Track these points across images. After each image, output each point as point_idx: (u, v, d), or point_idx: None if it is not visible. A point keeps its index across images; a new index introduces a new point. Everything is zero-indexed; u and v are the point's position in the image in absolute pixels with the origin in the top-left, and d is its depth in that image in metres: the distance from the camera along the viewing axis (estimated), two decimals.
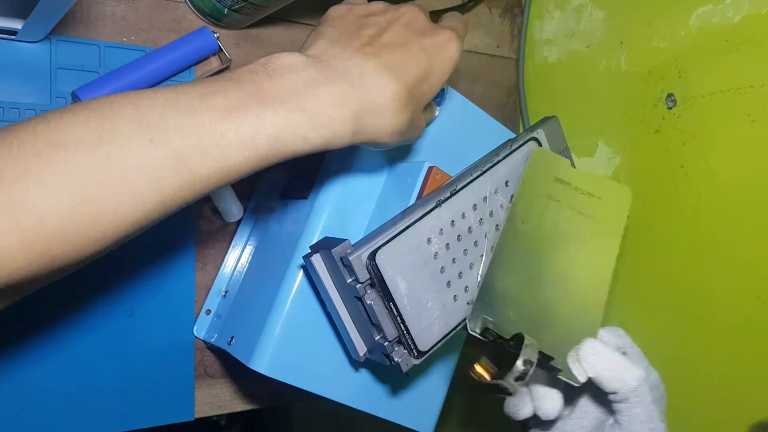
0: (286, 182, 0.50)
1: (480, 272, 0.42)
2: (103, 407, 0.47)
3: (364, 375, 0.46)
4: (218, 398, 0.53)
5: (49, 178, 0.26)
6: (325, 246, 0.39)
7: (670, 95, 0.53)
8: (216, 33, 0.49)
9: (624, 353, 0.40)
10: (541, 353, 0.37)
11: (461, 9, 0.66)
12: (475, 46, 0.69)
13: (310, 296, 0.43)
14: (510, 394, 0.37)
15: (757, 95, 0.46)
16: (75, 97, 0.44)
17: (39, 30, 0.42)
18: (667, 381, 0.41)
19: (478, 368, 0.38)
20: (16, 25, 0.42)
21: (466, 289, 0.41)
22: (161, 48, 0.47)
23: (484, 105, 0.52)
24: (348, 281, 0.38)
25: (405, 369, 0.39)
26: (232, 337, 0.46)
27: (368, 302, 0.37)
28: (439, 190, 0.42)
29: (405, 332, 0.38)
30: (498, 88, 0.70)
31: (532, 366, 0.36)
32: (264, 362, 0.41)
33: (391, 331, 0.38)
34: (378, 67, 0.35)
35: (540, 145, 0.47)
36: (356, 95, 0.34)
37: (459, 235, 0.41)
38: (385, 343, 0.39)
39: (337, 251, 0.38)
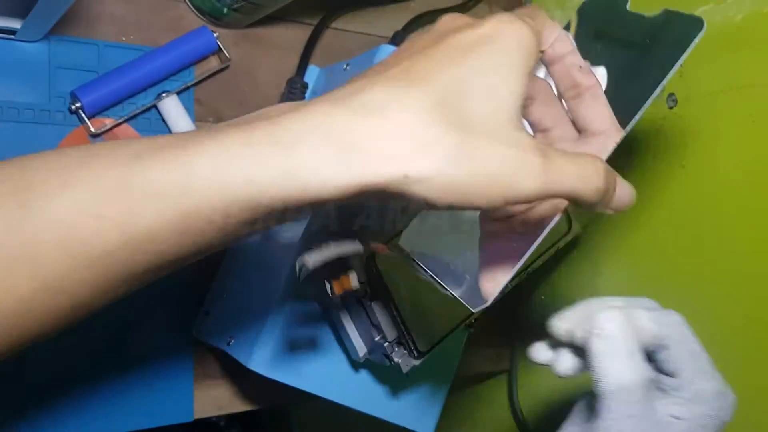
0: None
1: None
2: (102, 408, 0.47)
3: (364, 376, 0.46)
4: (218, 399, 0.53)
5: None
6: None
7: (671, 95, 0.52)
8: (215, 32, 0.49)
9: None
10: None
11: (461, 9, 0.66)
12: None
13: (310, 296, 0.43)
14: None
15: (759, 94, 0.46)
16: (74, 97, 0.44)
17: (38, 29, 0.42)
18: None
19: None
20: (15, 24, 0.42)
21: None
22: (160, 47, 0.47)
23: None
24: None
25: (405, 369, 0.39)
26: (231, 338, 0.46)
27: (368, 303, 0.37)
28: None
29: (405, 332, 0.38)
30: None
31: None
32: (263, 363, 0.41)
33: (391, 331, 0.38)
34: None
35: None
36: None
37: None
38: (385, 344, 0.38)
39: None
